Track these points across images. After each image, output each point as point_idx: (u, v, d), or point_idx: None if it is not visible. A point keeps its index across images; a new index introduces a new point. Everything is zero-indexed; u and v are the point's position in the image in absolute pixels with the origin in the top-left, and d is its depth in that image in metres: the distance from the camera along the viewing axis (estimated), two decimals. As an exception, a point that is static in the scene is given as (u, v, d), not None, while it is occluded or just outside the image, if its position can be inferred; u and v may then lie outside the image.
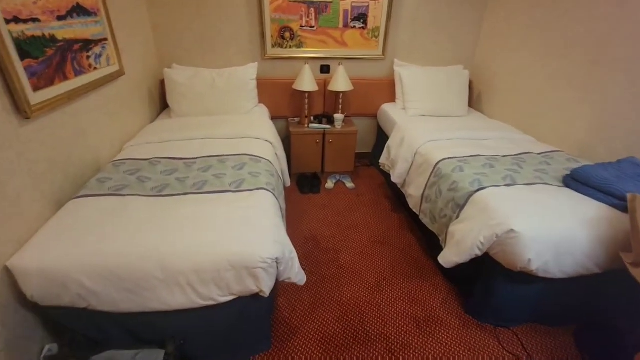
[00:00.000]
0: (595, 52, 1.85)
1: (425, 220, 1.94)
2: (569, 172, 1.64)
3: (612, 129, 1.79)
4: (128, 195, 1.40)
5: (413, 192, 2.09)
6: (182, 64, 2.61)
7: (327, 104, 2.96)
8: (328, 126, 2.77)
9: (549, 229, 1.31)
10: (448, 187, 1.72)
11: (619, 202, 1.39)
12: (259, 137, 2.08)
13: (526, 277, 1.40)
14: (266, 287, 1.20)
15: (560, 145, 2.06)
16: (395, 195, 2.60)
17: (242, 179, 1.56)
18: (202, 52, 2.67)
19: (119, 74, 1.99)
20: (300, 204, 2.55)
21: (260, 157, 1.81)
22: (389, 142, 2.49)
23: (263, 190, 1.49)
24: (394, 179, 2.31)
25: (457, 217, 1.61)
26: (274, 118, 2.83)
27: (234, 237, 1.19)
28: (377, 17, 2.71)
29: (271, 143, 2.10)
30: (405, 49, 2.88)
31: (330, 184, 2.81)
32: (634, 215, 1.24)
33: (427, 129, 2.31)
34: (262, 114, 2.60)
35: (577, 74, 1.96)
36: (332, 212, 2.46)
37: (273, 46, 2.72)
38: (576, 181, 1.56)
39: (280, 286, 1.74)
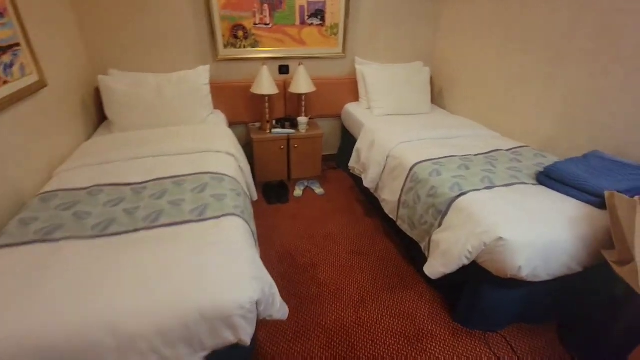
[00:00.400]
0: (555, 46, 1.89)
1: (403, 226, 1.87)
2: (541, 170, 1.64)
3: (575, 122, 1.83)
4: (62, 239, 1.14)
5: (388, 197, 2.01)
6: (120, 69, 2.28)
7: (289, 106, 2.79)
8: (292, 130, 2.61)
9: (537, 233, 1.28)
10: (427, 193, 1.66)
11: (594, 199, 1.40)
12: (219, 150, 1.86)
13: (513, 282, 1.37)
14: (246, 336, 1.02)
15: (525, 140, 2.10)
16: (367, 199, 2.52)
17: (204, 204, 1.36)
18: (143, 54, 2.35)
19: (40, 85, 1.65)
20: (269, 216, 2.37)
21: (223, 175, 1.61)
22: (358, 145, 2.39)
23: (231, 217, 1.30)
24: (366, 183, 2.21)
25: (440, 224, 1.54)
26: (232, 125, 2.60)
27: (203, 282, 1.00)
28: (335, 13, 2.58)
29: (233, 156, 1.89)
30: (366, 46, 2.79)
31: (298, 192, 2.66)
32: (614, 213, 1.24)
33: (397, 129, 2.24)
34: (219, 122, 2.37)
35: (538, 68, 1.99)
36: (304, 222, 2.32)
37: (225, 46, 2.48)
38: (550, 179, 1.56)
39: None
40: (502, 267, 1.30)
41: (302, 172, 2.76)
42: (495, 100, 2.34)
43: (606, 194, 1.30)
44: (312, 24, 2.58)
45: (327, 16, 2.58)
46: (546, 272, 1.32)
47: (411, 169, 1.82)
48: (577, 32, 1.76)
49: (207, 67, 2.35)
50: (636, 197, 1.17)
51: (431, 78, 2.83)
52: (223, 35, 2.44)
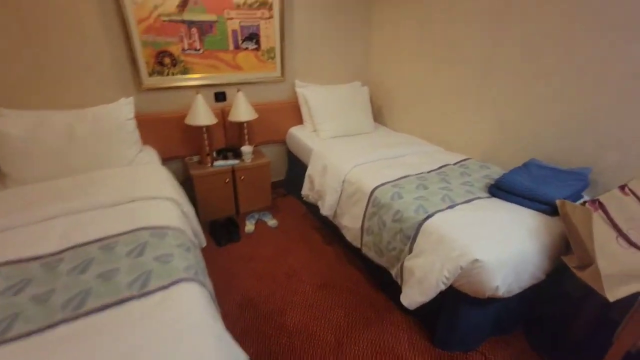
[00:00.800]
0: (483, 62, 2.03)
1: (370, 253, 1.79)
2: (492, 182, 1.72)
3: (510, 132, 1.97)
4: None
5: (349, 224, 1.93)
6: (13, 107, 1.86)
7: (230, 135, 2.58)
8: (236, 161, 2.40)
9: (507, 250, 1.29)
10: (392, 218, 1.60)
11: (545, 207, 1.48)
12: (156, 196, 1.59)
13: (488, 300, 1.36)
14: None
15: (467, 152, 2.21)
16: (324, 225, 2.41)
17: (146, 270, 1.10)
18: (46, 88, 1.96)
19: None
20: (221, 260, 2.11)
21: (165, 228, 1.35)
22: (310, 172, 2.28)
23: (184, 283, 1.07)
24: (323, 211, 2.10)
25: (410, 250, 1.49)
26: (166, 161, 2.30)
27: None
28: (270, 36, 2.49)
29: (174, 200, 1.63)
30: (304, 69, 2.74)
31: (250, 227, 2.44)
32: (569, 220, 1.31)
33: (347, 152, 2.19)
34: (151, 160, 2.06)
35: (470, 82, 2.12)
36: (261, 261, 2.11)
37: (151, 74, 2.20)
38: (502, 190, 1.63)
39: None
40: (480, 289, 1.28)
41: (252, 204, 2.55)
42: (434, 115, 2.45)
43: (558, 202, 1.38)
44: (247, 48, 2.44)
45: (262, 40, 2.47)
46: (518, 285, 1.34)
47: (371, 193, 1.76)
48: (502, 49, 1.91)
49: (131, 99, 2.05)
50: (588, 206, 1.24)
51: (370, 97, 2.88)
52: (147, 63, 2.17)
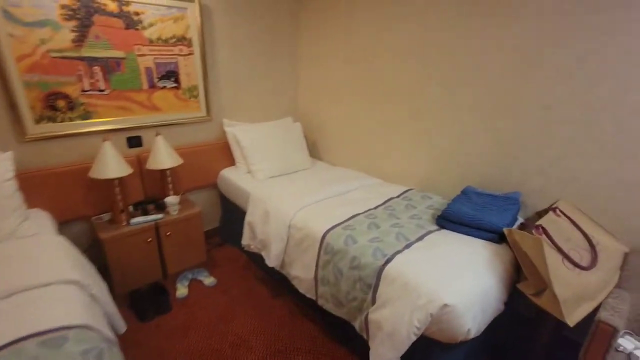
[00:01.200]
0: (415, 97, 2.11)
1: (327, 306, 1.62)
2: (438, 213, 1.72)
3: (445, 162, 2.05)
4: None
5: (301, 274, 1.74)
6: None
7: (149, 186, 2.22)
8: (159, 215, 2.05)
9: (473, 289, 1.25)
10: (349, 265, 1.48)
11: (491, 235, 1.52)
12: (49, 281, 1.20)
13: (460, 342, 1.30)
14: None
15: (407, 183, 2.24)
16: (269, 275, 2.18)
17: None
18: None
19: None
20: (148, 340, 1.71)
21: (62, 329, 1.00)
22: (249, 218, 2.05)
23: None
24: (270, 262, 1.88)
25: (373, 299, 1.37)
26: (64, 225, 1.86)
27: None
28: (191, 74, 2.27)
29: (76, 282, 1.26)
30: (232, 107, 2.56)
31: (182, 290, 2.07)
32: (519, 248, 1.34)
33: (289, 194, 2.04)
34: (41, 229, 1.61)
35: (404, 115, 2.19)
36: (201, 333, 1.77)
37: (38, 121, 1.79)
38: (449, 221, 1.64)
39: None
40: (451, 334, 1.21)
41: (183, 262, 2.19)
42: (371, 147, 2.47)
43: (505, 231, 1.41)
44: (165, 87, 2.18)
45: (182, 78, 2.24)
46: (484, 322, 1.30)
47: (322, 238, 1.62)
48: (429, 83, 2.01)
49: (9, 154, 1.60)
50: (534, 232, 1.28)
51: (303, 132, 2.82)
52: (32, 107, 1.75)
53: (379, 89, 2.29)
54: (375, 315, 1.34)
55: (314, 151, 2.94)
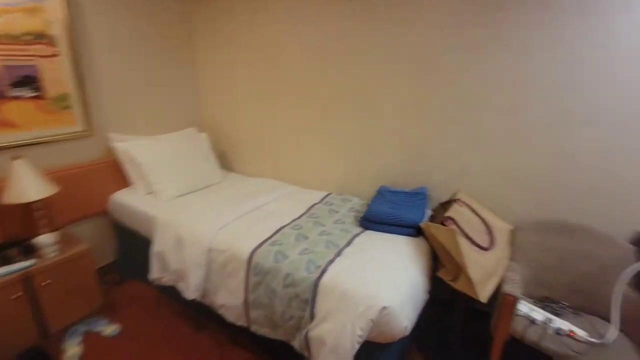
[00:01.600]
0: (324, 101, 2.13)
1: (262, 330, 1.50)
2: (360, 215, 1.78)
3: (359, 164, 2.13)
4: None
5: (228, 301, 1.58)
6: None
7: (11, 225, 1.72)
8: (29, 262, 1.60)
9: (404, 287, 1.31)
10: (282, 283, 1.39)
11: (410, 230, 1.63)
12: None
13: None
14: None
15: (325, 188, 2.26)
16: (188, 308, 1.92)
17: None
18: None
19: None
20: None
21: None
22: (159, 248, 1.77)
23: None
24: (189, 294, 1.66)
25: (312, 315, 1.32)
26: None
27: None
28: (60, 80, 1.84)
29: None
30: (120, 119, 2.19)
31: (73, 349, 1.67)
32: (436, 239, 1.47)
33: (204, 213, 1.84)
34: None
35: (316, 120, 2.20)
36: (106, 399, 1.44)
37: None
38: (371, 222, 1.70)
39: None
40: (391, 335, 1.24)
41: (70, 314, 1.76)
42: (286, 154, 2.41)
43: (422, 226, 1.54)
44: (20, 96, 1.71)
45: (47, 85, 1.80)
46: (416, 314, 1.38)
47: (249, 259, 1.49)
48: (336, 87, 2.06)
49: None
50: (452, 226, 1.42)
51: (210, 143, 2.59)
52: None
53: (289, 93, 2.25)
54: (316, 331, 1.29)
55: (224, 162, 2.73)
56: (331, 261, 1.41)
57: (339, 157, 2.19)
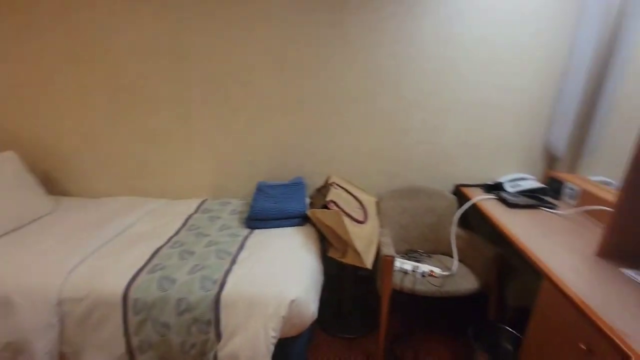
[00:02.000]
0: (182, 104, 1.91)
1: (157, 373, 1.28)
2: (245, 215, 1.72)
3: (230, 164, 2.03)
4: None
5: (100, 356, 1.26)
6: None
7: None
8: None
9: (304, 275, 1.35)
10: (176, 312, 1.21)
11: (298, 220, 1.69)
12: None
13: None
14: None
15: (198, 194, 2.06)
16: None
17: None
18: None
19: None
20: None
21: None
22: (-34, 323, 1.24)
23: None
24: (37, 368, 1.24)
25: (218, 335, 1.21)
26: None
27: None
28: None
29: None
30: None
31: None
32: (323, 223, 1.57)
33: (38, 257, 1.39)
34: None
35: (174, 124, 1.95)
36: None
37: None
38: (258, 220, 1.67)
39: None
40: (302, 323, 1.28)
41: None
42: (143, 165, 2.05)
43: (309, 213, 1.61)
44: None
45: None
46: (317, 296, 1.46)
47: (125, 297, 1.23)
48: (194, 88, 1.88)
49: None
50: (331, 207, 1.53)
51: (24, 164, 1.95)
52: None
53: (133, 95, 1.91)
54: (227, 349, 1.20)
55: (52, 186, 2.11)
56: (228, 271, 1.32)
57: (207, 159, 2.02)
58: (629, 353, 0.79)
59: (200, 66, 1.83)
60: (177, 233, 1.62)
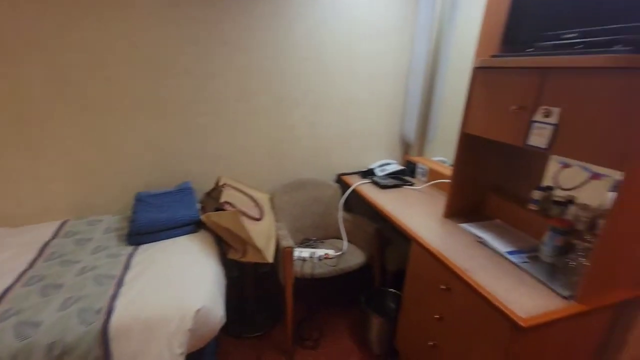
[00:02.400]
0: (12, 106, 1.52)
1: None
2: (125, 232, 1.52)
3: (97, 177, 1.73)
4: None
5: None
6: None
7: None
8: None
9: (206, 281, 1.29)
10: (50, 359, 1.00)
11: (190, 227, 1.59)
12: None
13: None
14: None
15: (51, 217, 1.69)
16: None
17: None
18: None
19: None
20: None
21: None
22: None
23: None
24: None
25: (111, 369, 1.06)
26: None
27: None
28: None
29: None
30: None
31: None
32: (219, 226, 1.53)
33: None
34: None
35: (5, 129, 1.54)
36: None
37: None
38: (144, 234, 1.50)
39: None
40: (210, 332, 1.23)
41: None
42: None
43: (203, 218, 1.54)
44: None
45: None
46: (223, 300, 1.42)
47: (-38, 362, 0.94)
48: (33, 89, 1.53)
49: None
50: (232, 209, 1.50)
51: None
52: None
53: None
54: (125, 383, 1.06)
55: None
56: (114, 296, 1.15)
57: (63, 172, 1.67)
58: (470, 282, 1.09)
59: (39, 57, 1.50)
60: (31, 266, 1.30)
